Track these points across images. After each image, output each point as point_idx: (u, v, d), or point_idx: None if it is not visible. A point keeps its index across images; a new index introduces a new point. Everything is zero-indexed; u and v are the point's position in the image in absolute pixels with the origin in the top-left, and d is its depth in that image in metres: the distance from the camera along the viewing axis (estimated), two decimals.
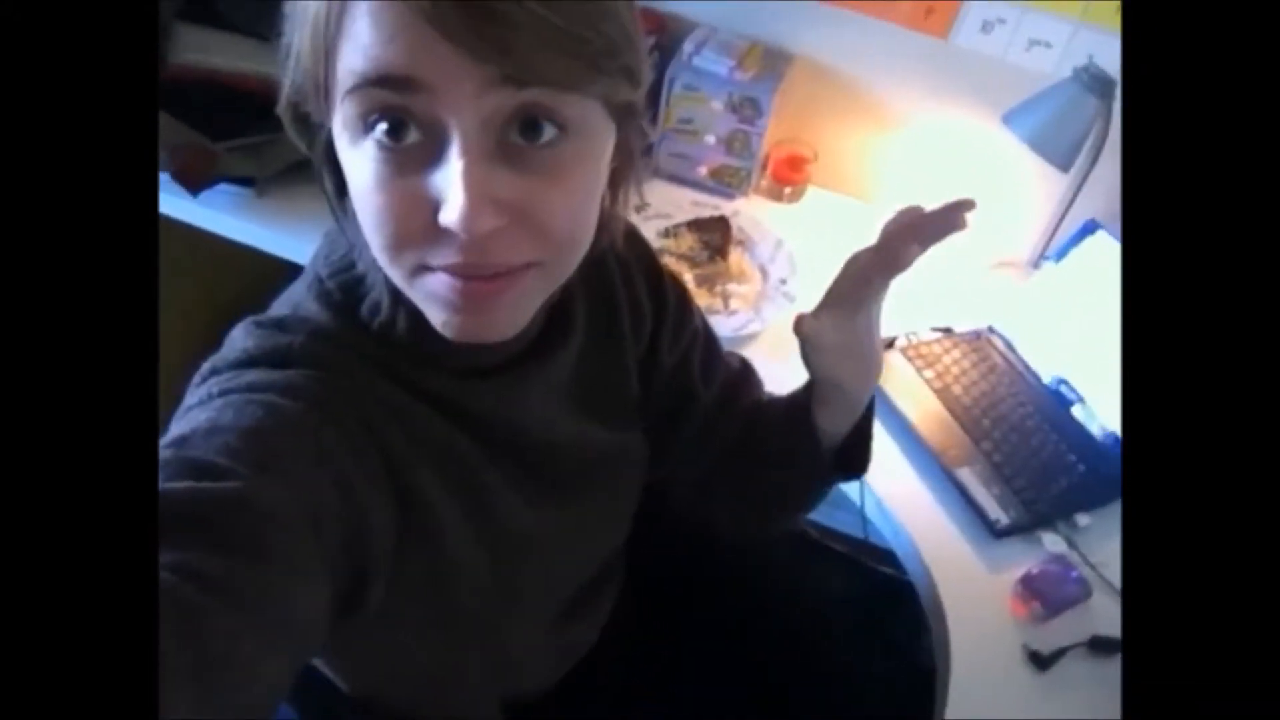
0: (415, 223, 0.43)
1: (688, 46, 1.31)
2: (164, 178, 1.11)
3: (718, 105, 1.31)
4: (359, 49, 0.40)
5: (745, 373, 0.83)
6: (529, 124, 0.42)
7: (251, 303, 0.58)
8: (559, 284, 0.51)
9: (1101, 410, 1.08)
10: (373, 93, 0.41)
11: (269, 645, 0.39)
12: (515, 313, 0.49)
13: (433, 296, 0.47)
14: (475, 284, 0.45)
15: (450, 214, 0.41)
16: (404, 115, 0.41)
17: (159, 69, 1.14)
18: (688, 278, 1.20)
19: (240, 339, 0.53)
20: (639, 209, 1.31)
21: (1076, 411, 1.10)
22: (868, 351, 0.68)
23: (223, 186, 1.16)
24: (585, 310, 0.65)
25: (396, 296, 0.52)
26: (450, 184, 0.41)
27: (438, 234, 0.43)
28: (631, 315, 0.70)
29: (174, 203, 1.15)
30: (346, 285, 0.55)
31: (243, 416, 0.46)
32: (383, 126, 0.41)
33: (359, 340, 0.53)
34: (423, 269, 0.46)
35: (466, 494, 0.58)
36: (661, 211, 1.31)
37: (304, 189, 1.17)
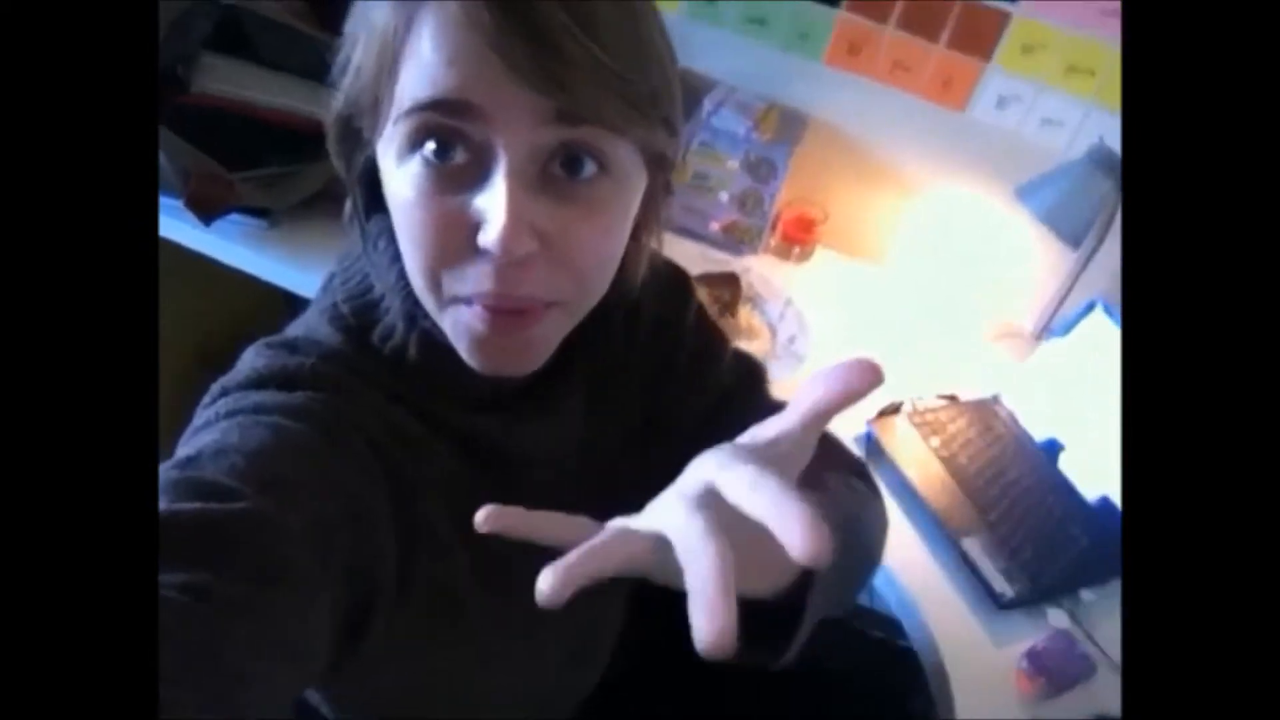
0: (453, 241, 0.44)
1: (707, 104, 1.33)
2: (177, 205, 1.10)
3: (733, 164, 1.32)
4: (421, 69, 0.42)
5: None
6: (572, 159, 0.44)
7: (260, 331, 0.58)
8: (578, 320, 0.52)
9: (1096, 483, 1.09)
10: (429, 115, 0.42)
11: (278, 665, 0.39)
12: (540, 347, 0.50)
13: (462, 327, 0.48)
14: (504, 318, 0.46)
15: (490, 234, 0.42)
16: (455, 137, 0.43)
17: (179, 92, 1.14)
18: None
19: (251, 360, 0.53)
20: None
21: (1062, 463, 1.11)
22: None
23: (235, 217, 1.15)
24: (607, 354, 0.64)
25: (412, 322, 0.53)
26: (492, 206, 0.42)
27: (473, 256, 0.44)
28: (677, 363, 0.68)
29: (186, 231, 1.14)
30: (360, 310, 0.55)
31: (250, 438, 0.46)
32: (431, 145, 0.43)
33: (370, 365, 0.54)
34: (455, 300, 0.47)
35: (468, 521, 0.57)
36: None
37: (316, 223, 1.17)
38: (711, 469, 0.35)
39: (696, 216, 1.38)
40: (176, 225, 1.13)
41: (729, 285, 1.27)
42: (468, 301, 0.46)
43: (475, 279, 0.45)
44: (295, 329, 0.57)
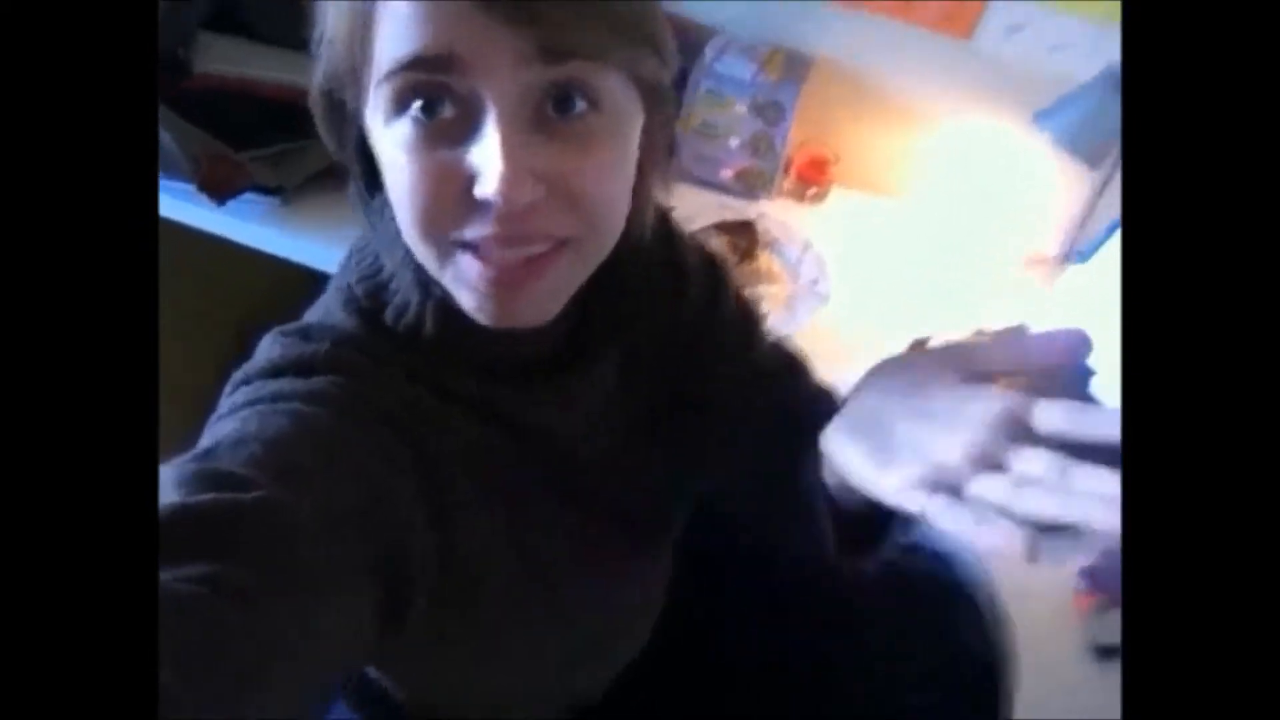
0: (449, 196, 0.44)
1: (709, 52, 1.31)
2: (190, 189, 1.09)
3: (741, 109, 1.31)
4: (396, 28, 0.41)
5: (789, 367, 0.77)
6: (562, 97, 0.43)
7: (283, 312, 0.58)
8: (592, 268, 0.51)
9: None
10: (412, 73, 0.42)
11: (297, 656, 0.38)
12: (550, 296, 0.49)
13: (464, 280, 0.47)
14: (508, 267, 0.46)
15: (489, 185, 0.42)
16: (441, 91, 0.42)
17: (183, 76, 1.13)
18: None
19: (267, 348, 0.53)
20: None
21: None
22: None
23: (249, 196, 1.15)
24: (614, 324, 0.61)
25: (425, 293, 0.52)
26: (488, 156, 0.42)
27: (471, 207, 0.44)
28: (702, 330, 0.68)
29: (200, 214, 1.13)
30: (373, 290, 0.54)
31: (268, 426, 0.45)
32: (418, 104, 0.42)
33: (386, 345, 0.53)
34: (455, 248, 0.46)
35: (502, 498, 0.56)
36: (686, 215, 1.30)
37: (331, 197, 1.16)
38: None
39: (707, 164, 1.37)
40: (191, 209, 1.12)
41: (745, 232, 1.26)
42: (473, 249, 0.46)
43: (477, 228, 0.44)
44: (311, 314, 0.56)
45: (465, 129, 0.43)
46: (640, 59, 0.45)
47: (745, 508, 0.79)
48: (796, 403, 0.71)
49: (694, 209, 1.32)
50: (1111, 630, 0.87)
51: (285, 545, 0.40)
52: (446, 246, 0.46)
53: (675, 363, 0.68)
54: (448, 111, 0.43)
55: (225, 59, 1.15)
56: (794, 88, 1.29)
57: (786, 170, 1.39)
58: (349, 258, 0.58)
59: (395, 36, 0.41)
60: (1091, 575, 0.90)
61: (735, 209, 1.33)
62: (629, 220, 0.51)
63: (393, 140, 0.44)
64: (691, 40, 1.35)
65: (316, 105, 0.49)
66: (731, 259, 1.23)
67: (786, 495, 0.63)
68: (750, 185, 1.37)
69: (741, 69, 1.29)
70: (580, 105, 0.44)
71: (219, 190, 1.11)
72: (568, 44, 0.41)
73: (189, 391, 0.80)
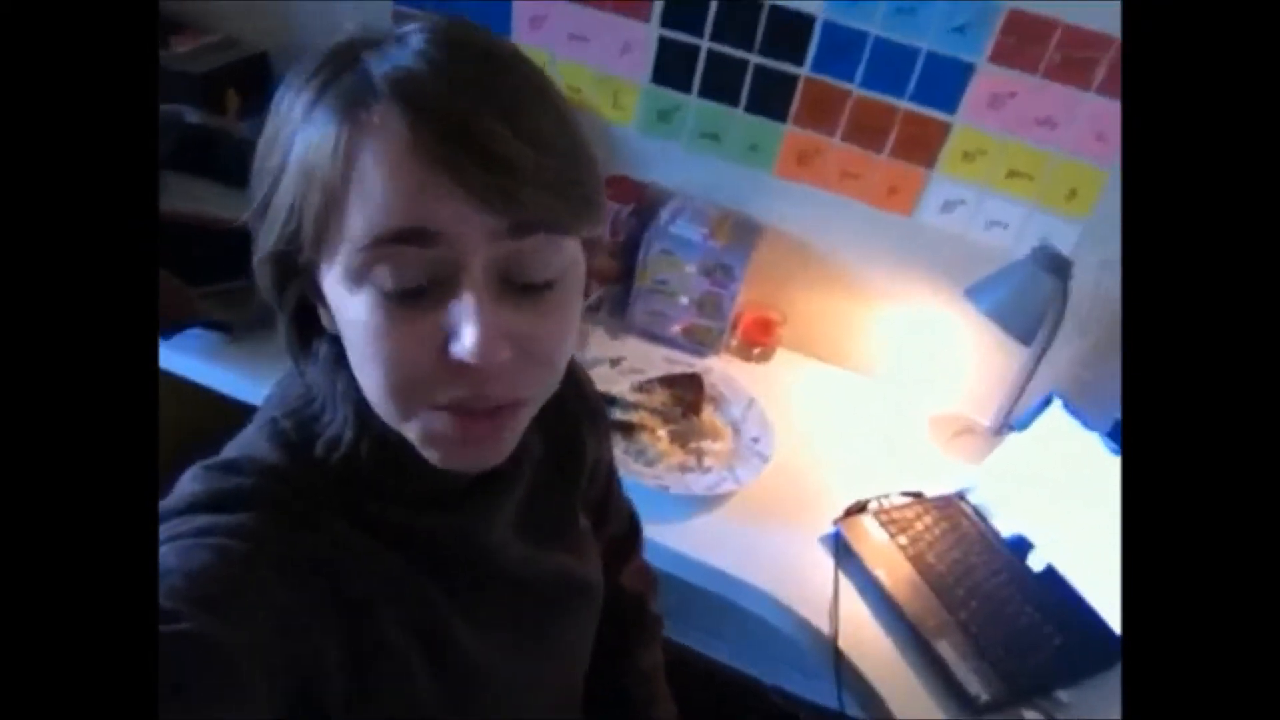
0: (424, 361, 0.45)
1: (664, 214, 1.37)
2: None
3: (692, 269, 1.35)
4: (372, 203, 0.41)
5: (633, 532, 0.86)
6: (526, 264, 0.45)
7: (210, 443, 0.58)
8: (537, 410, 0.53)
9: (1062, 570, 1.08)
10: (388, 245, 0.42)
11: None
12: (509, 443, 0.51)
13: (432, 433, 0.48)
14: (477, 420, 0.47)
15: (466, 347, 0.43)
16: (413, 262, 0.43)
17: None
18: (661, 433, 1.20)
19: (188, 484, 0.52)
20: (614, 363, 1.33)
21: (1031, 560, 1.11)
22: None
23: (195, 330, 1.15)
24: (542, 443, 0.66)
25: (362, 428, 0.52)
26: (463, 321, 0.43)
27: (445, 370, 0.45)
28: (589, 453, 0.72)
29: None
30: (302, 423, 0.54)
31: (190, 560, 0.45)
32: (386, 272, 0.43)
33: (313, 479, 0.53)
34: (423, 407, 0.47)
35: (425, 630, 0.56)
36: (636, 366, 1.33)
37: (275, 336, 1.16)
38: None
39: (659, 320, 1.40)
40: None
41: (692, 385, 1.28)
42: (441, 408, 0.47)
43: (450, 391, 0.46)
44: (232, 449, 0.55)
45: (436, 294, 0.44)
46: (594, 226, 0.48)
47: None
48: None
49: (642, 361, 1.34)
50: None
51: (206, 675, 0.40)
52: (416, 406, 0.47)
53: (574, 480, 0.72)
54: (417, 279, 0.43)
55: (188, 197, 1.17)
56: (743, 252, 1.34)
57: (734, 329, 1.43)
58: (273, 392, 0.58)
59: (373, 212, 0.42)
60: None
61: (683, 363, 1.36)
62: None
63: (359, 307, 0.44)
64: (649, 201, 1.42)
65: (264, 265, 0.49)
66: (675, 411, 1.24)
67: None
68: (699, 342, 1.40)
69: (693, 232, 1.34)
70: (544, 272, 0.46)
71: (166, 323, 1.11)
72: (537, 221, 0.44)
73: None
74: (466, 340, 0.43)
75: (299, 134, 0.44)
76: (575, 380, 0.73)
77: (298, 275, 0.49)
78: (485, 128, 0.41)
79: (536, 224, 0.44)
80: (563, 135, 0.45)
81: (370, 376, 0.47)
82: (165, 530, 0.48)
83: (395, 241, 0.42)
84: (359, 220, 0.42)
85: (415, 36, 0.44)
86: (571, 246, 0.47)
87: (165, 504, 0.51)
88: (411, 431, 0.48)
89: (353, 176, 0.42)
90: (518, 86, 0.44)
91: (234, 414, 1.17)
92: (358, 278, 0.44)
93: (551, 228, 0.45)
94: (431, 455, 0.49)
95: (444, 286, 0.44)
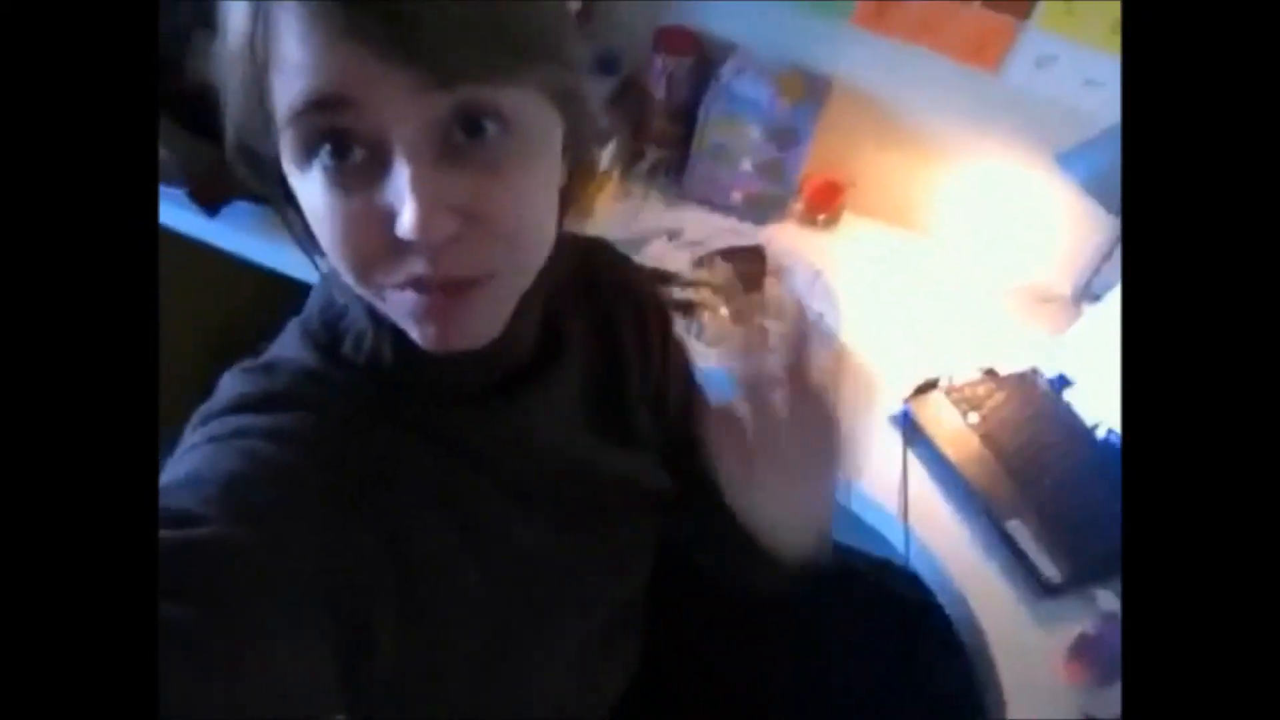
0: (374, 240, 0.43)
1: (725, 72, 1.27)
2: (180, 195, 1.06)
3: (755, 132, 1.27)
4: (289, 75, 0.41)
5: None
6: (470, 123, 0.43)
7: (275, 319, 0.58)
8: (524, 286, 0.51)
9: None
10: (310, 118, 0.41)
11: (238, 700, 0.37)
12: (488, 318, 0.49)
13: (404, 312, 0.47)
14: (445, 297, 0.46)
15: (405, 224, 0.41)
16: (345, 135, 0.42)
17: (176, 80, 1.09)
18: (723, 311, 1.16)
19: (229, 384, 0.53)
20: (672, 236, 1.28)
21: (1108, 439, 1.08)
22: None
23: (241, 204, 1.11)
24: (581, 331, 0.64)
25: (378, 323, 0.52)
26: (400, 194, 0.42)
27: (399, 247, 0.43)
28: (638, 345, 0.69)
29: (191, 221, 1.09)
30: (330, 323, 0.55)
31: (225, 463, 0.46)
32: (326, 148, 0.42)
33: (347, 378, 0.53)
34: (386, 288, 0.46)
35: (469, 526, 0.56)
36: (694, 239, 1.27)
37: None
38: None
39: (716, 186, 1.33)
40: (181, 215, 1.08)
41: (754, 258, 1.23)
42: (402, 288, 0.46)
43: (408, 268, 0.44)
44: (272, 350, 0.56)
45: (378, 169, 0.42)
46: (539, 70, 0.44)
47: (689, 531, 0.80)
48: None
49: (700, 232, 1.28)
50: (1106, 706, 0.84)
51: (236, 584, 0.40)
52: (379, 287, 0.46)
53: (630, 384, 0.69)
54: (357, 154, 0.42)
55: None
56: (811, 112, 1.25)
57: (798, 194, 1.36)
58: (315, 291, 0.58)
59: (290, 84, 0.41)
60: (1083, 647, 0.87)
61: (744, 233, 1.30)
62: (564, 221, 0.51)
63: (308, 187, 0.44)
64: (708, 58, 1.32)
65: (234, 156, 0.48)
66: (737, 287, 1.20)
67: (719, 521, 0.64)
68: (760, 210, 1.33)
69: (758, 91, 1.25)
70: (491, 128, 0.43)
71: (211, 198, 1.08)
72: (453, 68, 0.41)
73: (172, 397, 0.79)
74: (406, 217, 0.41)
75: (229, 18, 0.43)
76: (608, 262, 0.69)
77: (266, 164, 0.47)
78: None
79: (453, 75, 0.40)
80: None
81: (335, 263, 0.46)
82: (205, 431, 0.49)
83: (317, 112, 0.41)
84: (282, 94, 0.41)
85: None
86: (523, 99, 0.44)
87: (205, 407, 0.51)
88: (392, 314, 0.48)
89: (269, 51, 0.41)
90: None
91: (287, 292, 1.16)
92: (300, 157, 0.43)
93: (476, 75, 0.41)
94: (416, 336, 0.48)
95: (383, 159, 0.42)
